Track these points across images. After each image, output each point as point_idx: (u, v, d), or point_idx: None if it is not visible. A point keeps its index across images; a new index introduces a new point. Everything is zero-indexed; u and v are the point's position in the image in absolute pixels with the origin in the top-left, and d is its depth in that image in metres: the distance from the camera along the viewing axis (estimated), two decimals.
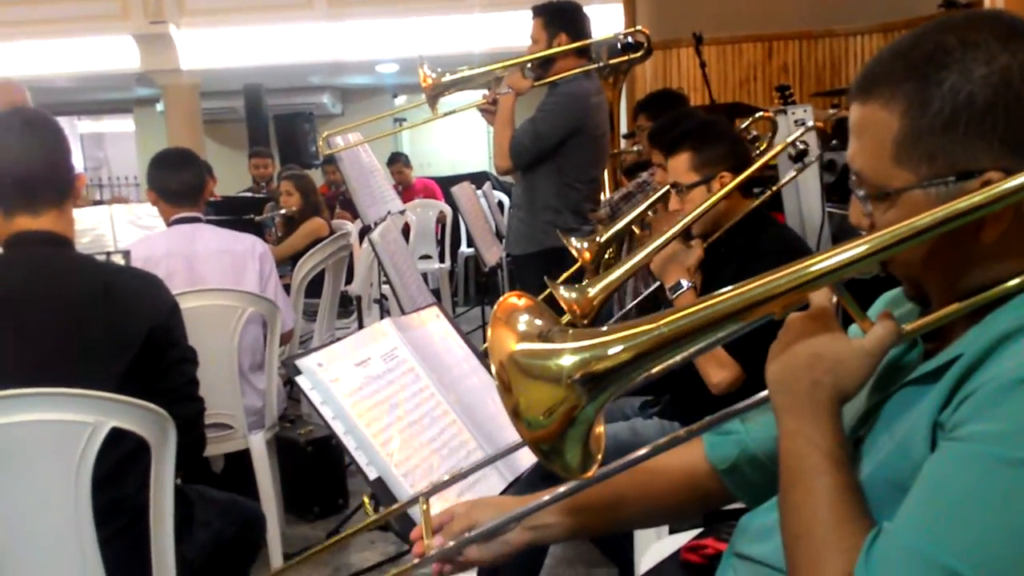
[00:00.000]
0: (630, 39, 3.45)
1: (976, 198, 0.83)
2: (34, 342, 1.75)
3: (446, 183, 7.41)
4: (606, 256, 2.67)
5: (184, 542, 1.86)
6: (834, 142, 3.33)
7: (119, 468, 1.72)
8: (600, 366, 0.89)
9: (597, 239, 2.58)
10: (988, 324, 0.88)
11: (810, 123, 2.50)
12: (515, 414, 0.90)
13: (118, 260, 2.32)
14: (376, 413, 1.47)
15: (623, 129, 4.65)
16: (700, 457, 1.25)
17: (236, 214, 5.02)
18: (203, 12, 9.32)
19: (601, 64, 3.43)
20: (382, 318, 2.57)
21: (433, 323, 1.78)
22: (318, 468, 3.46)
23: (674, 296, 2.15)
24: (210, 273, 2.95)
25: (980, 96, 0.87)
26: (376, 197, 3.55)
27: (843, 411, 0.92)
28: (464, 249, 7.94)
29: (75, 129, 14.10)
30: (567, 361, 0.90)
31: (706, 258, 2.21)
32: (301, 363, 1.46)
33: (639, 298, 2.80)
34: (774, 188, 2.48)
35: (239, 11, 9.32)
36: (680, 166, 2.29)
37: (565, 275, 2.81)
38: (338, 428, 1.43)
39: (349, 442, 1.43)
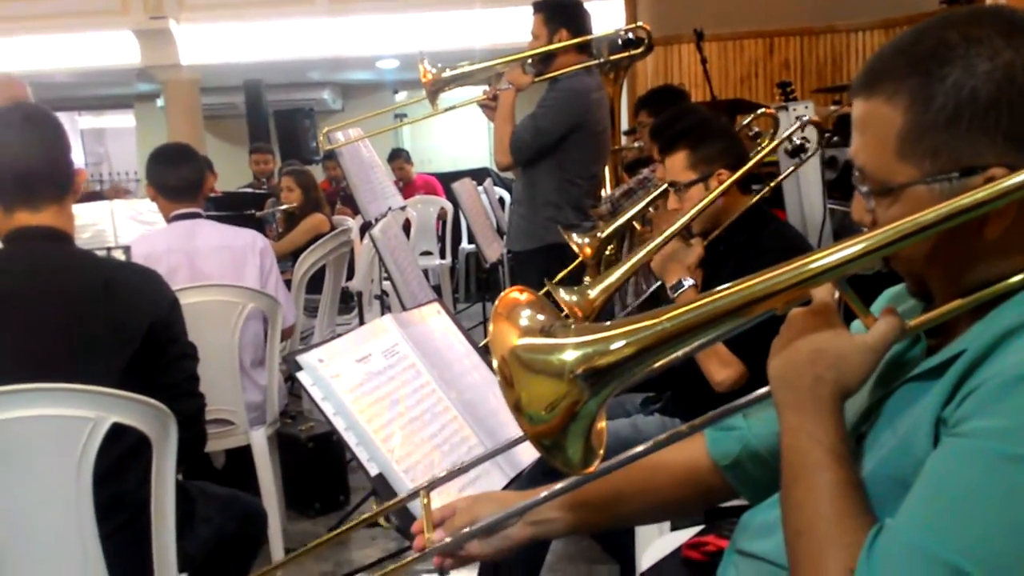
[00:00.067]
0: (631, 35, 3.44)
1: (980, 194, 0.83)
2: (34, 338, 1.75)
3: (447, 179, 7.40)
4: (607, 252, 2.67)
5: (185, 538, 1.86)
6: (835, 138, 3.33)
7: (120, 464, 1.72)
8: (602, 361, 0.89)
9: (598, 235, 2.58)
10: (991, 320, 0.88)
11: (805, 118, 2.49)
12: (517, 409, 0.90)
13: (119, 255, 2.32)
14: (377, 409, 1.47)
15: (624, 125, 4.66)
16: (702, 453, 1.25)
17: (237, 210, 5.02)
18: (203, 7, 9.31)
19: (602, 60, 3.42)
20: (383, 314, 2.57)
21: (434, 319, 1.78)
22: (319, 464, 3.46)
23: (675, 295, 2.15)
24: (210, 269, 2.95)
25: (983, 92, 0.87)
26: (377, 193, 3.55)
27: (845, 407, 0.92)
28: (465, 245, 7.94)
29: (76, 125, 14.09)
30: (570, 356, 0.90)
31: (706, 256, 2.21)
32: (302, 359, 1.46)
33: (641, 298, 2.80)
34: (772, 184, 2.48)
35: (239, 6, 9.31)
36: (677, 165, 2.28)
37: (565, 272, 2.81)
38: (339, 424, 1.43)
39: (350, 438, 1.43)
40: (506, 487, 1.52)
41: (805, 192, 3.13)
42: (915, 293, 1.01)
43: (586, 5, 3.48)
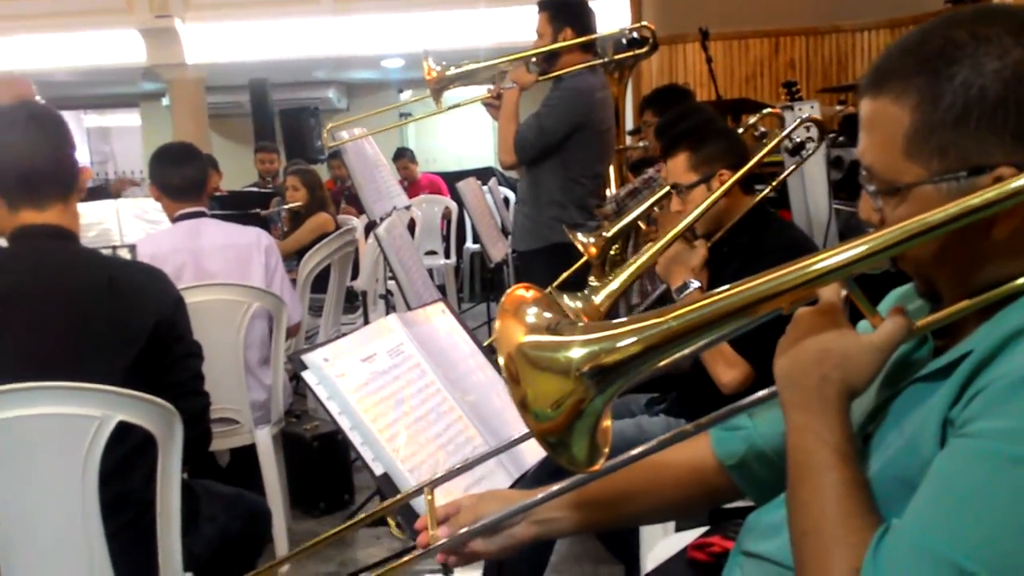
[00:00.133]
0: (636, 34, 3.44)
1: (989, 194, 0.82)
2: (39, 336, 1.75)
3: (452, 179, 7.40)
4: (612, 252, 2.66)
5: (190, 536, 1.87)
6: (840, 138, 3.32)
7: (125, 462, 1.72)
8: (609, 359, 0.89)
9: (603, 234, 2.57)
10: (999, 321, 0.87)
11: (805, 115, 2.48)
12: (523, 406, 0.90)
13: (124, 254, 2.33)
14: (382, 408, 1.47)
15: (628, 125, 4.65)
16: (707, 452, 1.25)
17: (242, 209, 5.03)
18: (208, 6, 9.33)
19: (606, 59, 3.42)
20: (388, 314, 2.57)
21: (439, 319, 1.78)
22: (324, 463, 3.45)
23: (681, 297, 2.15)
24: (216, 268, 2.95)
25: (992, 90, 0.86)
26: (382, 192, 3.56)
27: (852, 407, 0.91)
28: (470, 245, 7.94)
29: (81, 123, 14.11)
30: (576, 353, 0.89)
31: (710, 257, 2.20)
32: (307, 358, 1.46)
33: (648, 301, 2.79)
34: (774, 183, 2.47)
35: (244, 5, 9.32)
36: (678, 167, 2.28)
37: (569, 271, 2.81)
38: (344, 423, 1.43)
39: (355, 437, 1.43)
40: (511, 488, 1.51)
41: (811, 192, 3.13)
42: (923, 294, 1.00)
43: (591, 4, 3.48)
